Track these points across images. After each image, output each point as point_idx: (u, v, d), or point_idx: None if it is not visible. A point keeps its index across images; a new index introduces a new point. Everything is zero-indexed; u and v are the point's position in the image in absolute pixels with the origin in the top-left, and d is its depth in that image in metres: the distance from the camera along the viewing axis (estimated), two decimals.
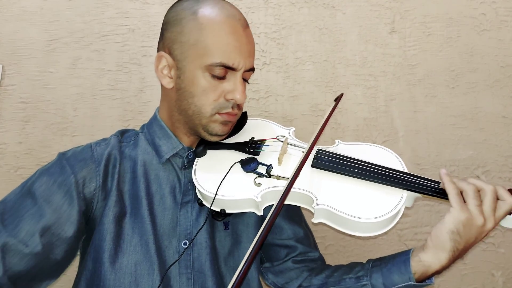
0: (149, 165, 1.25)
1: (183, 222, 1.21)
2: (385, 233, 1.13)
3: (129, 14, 1.88)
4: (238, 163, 1.21)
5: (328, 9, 1.94)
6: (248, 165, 1.19)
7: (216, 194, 1.14)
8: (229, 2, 1.23)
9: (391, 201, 1.10)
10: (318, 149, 1.24)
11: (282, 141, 1.28)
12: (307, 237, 1.42)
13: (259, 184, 1.16)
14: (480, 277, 1.85)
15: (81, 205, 1.15)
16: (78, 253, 1.26)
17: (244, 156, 1.24)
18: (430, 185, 1.13)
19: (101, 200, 1.18)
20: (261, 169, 1.19)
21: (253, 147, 1.27)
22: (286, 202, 1.12)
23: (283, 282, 1.37)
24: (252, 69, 1.24)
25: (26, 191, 1.14)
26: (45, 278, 1.14)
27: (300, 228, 1.41)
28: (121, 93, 1.84)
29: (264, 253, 1.41)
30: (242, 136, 1.32)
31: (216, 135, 1.22)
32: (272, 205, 0.97)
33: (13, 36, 1.82)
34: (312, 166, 1.19)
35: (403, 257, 1.15)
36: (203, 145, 1.26)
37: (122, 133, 1.32)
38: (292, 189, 1.04)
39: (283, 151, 1.22)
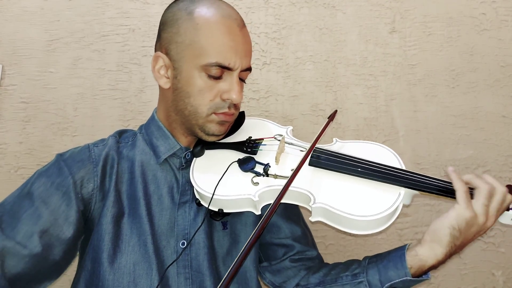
0: (146, 166, 1.25)
1: (181, 222, 1.21)
2: (384, 230, 1.13)
3: (130, 14, 1.88)
4: (236, 162, 1.21)
5: (328, 9, 1.95)
6: (246, 165, 1.19)
7: (213, 194, 1.14)
8: (225, 2, 1.23)
9: (389, 198, 1.10)
10: (316, 148, 1.24)
11: (279, 140, 1.28)
12: (304, 236, 1.42)
13: (256, 183, 1.16)
14: (480, 276, 1.85)
15: (79, 205, 1.15)
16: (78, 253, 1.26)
17: (241, 155, 1.24)
18: (428, 182, 1.13)
19: (99, 200, 1.18)
20: (259, 168, 1.19)
21: (251, 146, 1.27)
22: (283, 200, 1.13)
23: (280, 281, 1.37)
24: (249, 69, 1.24)
25: (24, 193, 1.14)
26: (44, 279, 1.14)
27: (298, 227, 1.41)
28: (121, 93, 1.84)
29: (262, 252, 1.41)
30: (239, 136, 1.32)
31: (213, 135, 1.23)
32: (270, 204, 0.97)
33: (13, 36, 1.83)
34: (310, 164, 1.19)
35: (399, 252, 1.16)
36: (201, 145, 1.26)
37: (120, 134, 1.32)
38: (289, 188, 1.04)
39: (280, 150, 1.22)
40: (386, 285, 1.14)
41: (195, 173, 1.21)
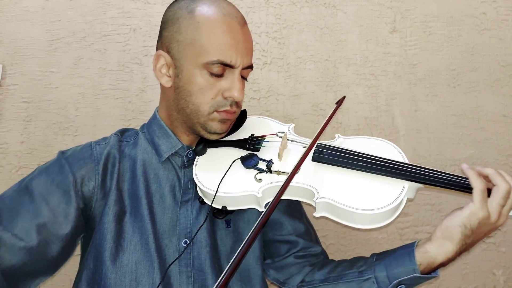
0: (148, 164, 1.25)
1: (183, 221, 1.22)
2: (386, 226, 1.12)
3: (131, 14, 1.88)
4: (239, 159, 1.21)
5: (329, 8, 1.95)
6: (249, 161, 1.20)
7: (217, 191, 1.14)
8: (226, 1, 1.24)
9: (393, 192, 1.10)
10: (318, 143, 1.24)
11: (281, 137, 1.28)
12: (308, 232, 1.42)
13: (260, 180, 1.16)
14: (481, 276, 1.85)
15: (79, 203, 1.16)
16: (79, 252, 1.27)
17: (244, 153, 1.24)
18: (432, 175, 1.12)
19: (100, 199, 1.19)
20: (262, 165, 1.19)
21: (253, 143, 1.27)
22: (287, 196, 1.13)
23: (284, 277, 1.36)
24: (250, 67, 1.24)
25: (24, 188, 1.15)
26: (40, 274, 1.14)
27: (301, 223, 1.41)
28: (122, 93, 1.84)
29: (266, 250, 1.40)
30: (241, 134, 1.33)
31: (215, 133, 1.23)
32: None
33: (15, 36, 1.83)
34: (313, 160, 1.19)
35: (408, 249, 1.15)
36: (203, 144, 1.26)
37: (122, 132, 1.32)
38: (292, 184, 1.04)
39: (283, 147, 1.23)
40: (394, 282, 1.13)
41: (198, 171, 1.21)
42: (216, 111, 1.19)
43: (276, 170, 1.17)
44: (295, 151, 1.25)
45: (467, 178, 1.09)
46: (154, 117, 1.32)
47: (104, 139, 1.29)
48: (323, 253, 1.42)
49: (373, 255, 1.25)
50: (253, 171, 1.18)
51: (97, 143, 1.26)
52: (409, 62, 1.93)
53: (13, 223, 1.08)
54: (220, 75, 1.17)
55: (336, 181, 1.14)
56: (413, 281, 1.13)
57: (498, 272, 1.85)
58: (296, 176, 1.05)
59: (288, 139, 1.28)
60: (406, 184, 1.12)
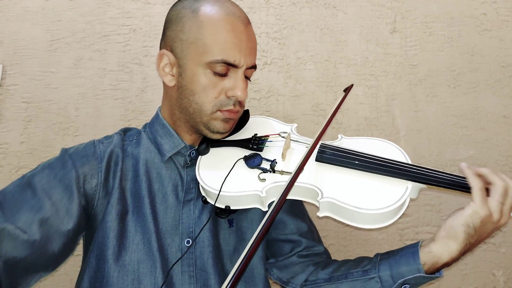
0: (151, 164, 1.25)
1: (186, 220, 1.21)
2: (388, 226, 1.12)
3: (131, 14, 1.88)
4: (242, 159, 1.21)
5: (329, 9, 1.95)
6: (252, 161, 1.20)
7: (220, 191, 1.14)
8: (230, 0, 1.24)
9: (396, 192, 1.10)
10: (321, 144, 1.24)
11: (284, 137, 1.28)
12: (310, 231, 1.42)
13: (263, 180, 1.16)
14: (481, 276, 1.85)
15: (81, 200, 1.16)
16: (79, 252, 1.26)
17: (247, 152, 1.24)
18: (435, 175, 1.13)
19: (102, 197, 1.19)
20: (265, 165, 1.19)
21: (256, 143, 1.27)
22: (291, 196, 1.13)
23: (288, 277, 1.36)
24: (254, 67, 1.25)
25: (26, 183, 1.14)
26: (40, 270, 1.13)
27: (304, 223, 1.41)
28: (123, 93, 1.84)
29: (269, 249, 1.40)
30: (244, 133, 1.33)
31: (217, 132, 1.23)
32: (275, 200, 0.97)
33: (15, 36, 1.83)
34: (316, 160, 1.19)
35: (412, 249, 1.15)
36: (206, 143, 1.26)
37: (125, 131, 1.32)
38: (296, 184, 1.04)
39: (286, 146, 1.22)
40: (398, 282, 1.13)
41: (201, 171, 1.21)
42: (219, 110, 1.20)
43: (280, 170, 1.18)
44: (299, 151, 1.25)
45: None
46: (156, 116, 1.32)
47: (107, 137, 1.29)
48: (326, 252, 1.43)
49: (377, 255, 1.25)
50: (257, 171, 1.18)
51: (100, 142, 1.26)
52: (409, 63, 1.93)
53: (16, 216, 1.07)
54: (223, 75, 1.18)
55: (340, 181, 1.15)
56: (418, 281, 1.13)
57: (498, 273, 1.85)
58: (300, 176, 1.05)
59: (291, 139, 1.28)
60: (410, 184, 1.12)
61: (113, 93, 1.84)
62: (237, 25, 1.18)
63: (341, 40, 1.94)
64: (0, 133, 1.77)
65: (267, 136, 1.30)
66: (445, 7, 1.96)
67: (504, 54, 1.94)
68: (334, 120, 1.88)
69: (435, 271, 1.12)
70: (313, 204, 1.15)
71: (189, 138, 1.28)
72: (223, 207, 1.18)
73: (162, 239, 1.18)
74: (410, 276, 1.12)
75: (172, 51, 1.21)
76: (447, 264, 1.10)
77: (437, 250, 1.10)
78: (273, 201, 1.08)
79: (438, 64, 1.93)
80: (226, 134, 1.27)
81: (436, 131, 1.90)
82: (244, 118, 1.35)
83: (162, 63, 1.23)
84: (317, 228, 1.50)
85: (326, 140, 1.29)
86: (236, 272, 0.80)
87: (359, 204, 1.08)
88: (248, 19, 1.24)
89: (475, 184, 1.07)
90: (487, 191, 1.08)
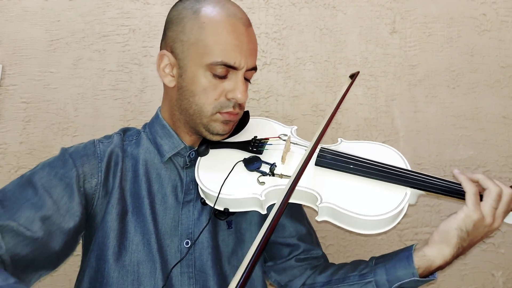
0: (150, 164, 1.25)
1: (185, 221, 1.21)
2: (387, 231, 1.13)
3: (130, 14, 1.88)
4: (241, 162, 1.21)
5: (328, 9, 1.95)
6: (252, 164, 1.19)
7: (219, 193, 1.14)
8: (231, 1, 1.23)
9: (395, 198, 1.11)
10: (321, 148, 1.24)
11: (285, 140, 1.28)
12: (309, 234, 1.42)
13: (262, 183, 1.16)
14: (480, 277, 1.85)
15: (81, 198, 1.15)
16: (78, 252, 1.26)
17: (247, 155, 1.24)
18: (434, 182, 1.13)
19: (102, 196, 1.19)
20: (265, 168, 1.19)
21: (256, 145, 1.27)
22: (290, 200, 1.13)
23: (286, 280, 1.36)
24: (254, 68, 1.24)
25: (26, 182, 1.14)
26: (41, 268, 1.13)
27: (302, 226, 1.41)
28: (122, 93, 1.84)
29: (267, 252, 1.40)
30: (244, 135, 1.32)
31: (217, 134, 1.23)
32: (275, 203, 0.97)
33: (14, 36, 1.83)
34: (316, 164, 1.19)
35: (406, 252, 1.16)
36: (206, 144, 1.26)
37: (124, 132, 1.32)
38: (296, 188, 1.04)
39: (286, 150, 1.22)
40: (394, 285, 1.14)
41: (201, 172, 1.21)
42: (219, 112, 1.19)
43: (279, 173, 1.17)
44: (298, 154, 1.25)
45: None
46: (156, 116, 1.32)
47: (107, 137, 1.29)
48: (324, 256, 1.42)
49: (372, 258, 1.26)
50: (256, 174, 1.18)
51: (100, 141, 1.26)
52: (408, 63, 1.93)
53: (17, 214, 1.06)
54: (223, 77, 1.17)
55: (339, 186, 1.15)
56: (412, 284, 1.14)
57: (497, 274, 1.85)
58: (299, 180, 1.05)
59: (291, 142, 1.28)
60: (409, 190, 1.12)
61: (112, 93, 1.83)
62: (238, 26, 1.18)
63: (341, 40, 1.93)
64: None
65: (267, 138, 1.30)
66: (444, 8, 1.96)
67: (504, 54, 1.94)
68: (333, 121, 1.87)
69: (429, 274, 1.13)
70: (312, 208, 1.15)
71: (188, 139, 1.28)
72: (222, 209, 1.17)
73: (162, 240, 1.18)
74: (405, 280, 1.13)
75: (172, 51, 1.20)
76: (440, 267, 1.12)
77: (431, 254, 1.11)
78: (273, 204, 1.08)
79: (438, 65, 1.93)
80: (226, 136, 1.27)
81: (435, 132, 1.90)
82: (244, 120, 1.35)
83: (162, 64, 1.22)
84: (316, 228, 1.50)
85: (326, 143, 1.29)
86: (240, 283, 0.80)
87: (358, 210, 1.08)
88: (249, 20, 1.24)
89: (469, 189, 1.08)
90: (481, 196, 1.10)
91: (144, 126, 1.35)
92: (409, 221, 1.84)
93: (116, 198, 1.18)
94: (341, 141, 1.31)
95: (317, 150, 1.22)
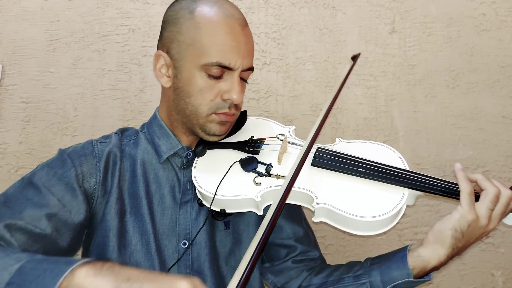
0: (148, 165, 1.25)
1: (183, 222, 1.21)
2: (386, 232, 1.12)
3: (130, 14, 1.88)
4: (238, 162, 1.21)
5: (328, 9, 1.95)
6: (248, 165, 1.19)
7: (215, 194, 1.14)
8: (228, 1, 1.23)
9: (393, 199, 1.09)
10: (318, 148, 1.23)
11: (282, 140, 1.27)
12: (307, 236, 1.41)
13: (259, 184, 1.15)
14: (480, 277, 1.85)
15: (83, 197, 1.15)
16: (79, 253, 1.26)
17: (243, 155, 1.23)
18: (432, 183, 1.12)
19: (101, 196, 1.18)
20: (261, 168, 1.18)
21: (253, 146, 1.26)
22: (286, 201, 1.12)
23: (283, 281, 1.36)
24: (250, 69, 1.23)
25: (27, 183, 1.13)
26: None
27: (300, 227, 1.40)
28: (121, 93, 1.84)
29: (264, 253, 1.40)
30: (242, 135, 1.31)
31: (214, 135, 1.22)
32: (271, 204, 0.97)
33: (13, 36, 1.83)
34: (312, 164, 1.18)
35: (401, 253, 1.15)
36: (203, 145, 1.25)
37: (122, 132, 1.32)
38: (292, 188, 1.03)
39: (282, 150, 1.22)
40: (389, 286, 1.14)
41: (197, 173, 1.21)
42: (215, 113, 1.19)
43: (275, 174, 1.17)
44: (295, 155, 1.23)
45: None
46: (154, 117, 1.31)
47: (105, 137, 1.28)
48: (321, 257, 1.42)
49: (367, 259, 1.25)
50: (252, 174, 1.17)
51: (98, 141, 1.25)
52: (408, 63, 1.93)
53: (23, 213, 1.06)
54: (218, 77, 1.17)
55: (336, 187, 1.14)
56: (407, 285, 1.13)
57: (497, 273, 1.85)
58: (295, 181, 1.04)
59: (288, 142, 1.27)
60: (406, 191, 1.11)
61: (112, 93, 1.84)
62: (234, 27, 1.17)
63: (340, 40, 1.93)
64: None
65: (264, 139, 1.29)
66: (444, 8, 1.95)
67: (503, 54, 1.94)
68: (333, 121, 1.88)
69: (424, 275, 1.12)
70: (309, 209, 1.15)
71: (186, 140, 1.28)
72: (218, 210, 1.17)
73: (160, 241, 1.18)
74: (400, 281, 1.12)
75: (168, 52, 1.20)
76: (435, 268, 1.11)
77: (426, 255, 1.10)
78: (269, 205, 1.07)
79: (437, 65, 1.93)
80: (223, 137, 1.26)
81: (435, 132, 1.90)
82: (241, 120, 1.34)
83: (158, 64, 1.22)
84: (316, 228, 1.50)
85: (325, 143, 1.29)
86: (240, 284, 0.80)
87: (354, 211, 1.07)
88: (246, 20, 1.23)
89: (464, 188, 1.07)
90: (477, 197, 1.09)
91: (142, 126, 1.34)
92: (409, 221, 1.84)
93: (114, 198, 1.18)
94: (339, 140, 1.30)
95: (314, 151, 1.22)
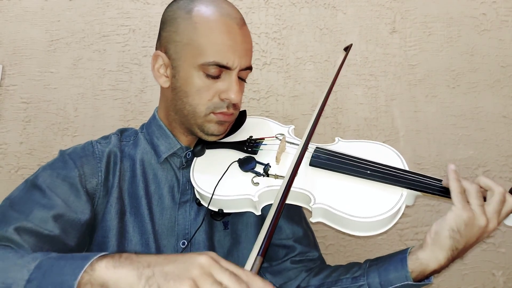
0: (147, 165, 1.25)
1: (181, 222, 1.21)
2: (385, 232, 1.11)
3: (130, 14, 1.88)
4: (236, 162, 1.20)
5: (328, 9, 1.95)
6: (246, 165, 1.18)
7: (213, 194, 1.14)
8: (226, 1, 1.23)
9: (391, 199, 1.08)
10: (316, 148, 1.23)
11: (280, 140, 1.27)
12: (306, 236, 1.41)
13: (257, 184, 1.15)
14: (480, 276, 1.85)
15: (87, 197, 1.15)
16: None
17: (242, 155, 1.23)
18: (431, 183, 1.11)
19: (103, 196, 1.18)
20: (259, 168, 1.18)
21: (251, 146, 1.26)
22: (285, 201, 1.12)
23: (281, 282, 1.36)
24: (249, 68, 1.23)
25: (31, 185, 1.13)
26: None
27: (299, 228, 1.40)
28: (122, 93, 1.84)
29: None
30: (240, 135, 1.31)
31: (212, 135, 1.22)
32: (270, 205, 0.96)
33: (14, 36, 1.83)
34: (310, 164, 1.18)
35: (400, 255, 1.13)
36: (201, 145, 1.25)
37: (122, 132, 1.32)
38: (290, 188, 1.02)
39: (281, 150, 1.21)
40: None
41: (195, 173, 1.20)
42: (213, 112, 1.19)
43: (273, 173, 1.16)
44: (294, 155, 1.23)
45: None
46: (153, 117, 1.31)
47: (105, 138, 1.29)
48: (320, 258, 1.41)
49: (366, 261, 1.24)
50: (250, 174, 1.17)
51: (98, 142, 1.26)
52: (408, 63, 1.93)
53: (31, 216, 1.05)
54: (216, 77, 1.16)
55: (333, 187, 1.13)
56: None
57: (497, 273, 1.85)
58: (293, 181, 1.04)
59: (286, 142, 1.27)
60: (405, 191, 1.10)
61: (112, 94, 1.84)
62: (231, 26, 1.17)
63: (341, 40, 1.93)
64: None
65: (262, 138, 1.29)
66: (444, 7, 1.95)
67: (504, 54, 1.93)
68: (333, 121, 1.87)
69: (424, 278, 1.11)
70: (307, 209, 1.14)
71: (185, 139, 1.28)
72: (216, 210, 1.17)
73: (159, 240, 1.19)
74: (398, 284, 1.10)
75: (166, 52, 1.20)
76: (436, 271, 1.09)
77: (424, 258, 1.08)
78: (268, 205, 1.07)
79: (438, 64, 1.93)
80: (221, 136, 1.26)
81: (435, 131, 1.90)
82: (240, 119, 1.34)
83: (156, 64, 1.22)
84: (316, 228, 1.50)
85: (324, 142, 1.29)
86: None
87: (352, 212, 1.06)
88: (243, 19, 1.22)
89: (454, 188, 1.05)
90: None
91: (142, 127, 1.35)
92: (409, 221, 1.84)
93: (115, 198, 1.18)
94: (338, 140, 1.30)
95: (312, 150, 1.21)
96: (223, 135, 1.26)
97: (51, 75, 1.82)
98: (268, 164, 1.18)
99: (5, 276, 0.84)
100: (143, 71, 1.86)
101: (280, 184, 1.06)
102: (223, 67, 1.15)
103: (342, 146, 1.27)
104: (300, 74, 1.91)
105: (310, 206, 1.10)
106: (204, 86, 1.16)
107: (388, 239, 1.84)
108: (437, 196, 1.10)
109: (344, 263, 1.33)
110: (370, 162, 1.17)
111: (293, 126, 1.35)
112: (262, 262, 0.83)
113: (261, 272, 1.40)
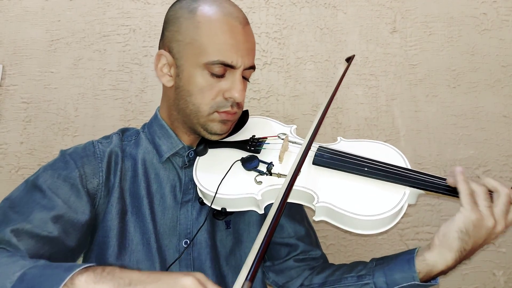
0: (149, 164, 1.25)
1: (183, 221, 1.21)
2: (387, 231, 1.11)
3: (131, 14, 1.88)
4: (239, 161, 1.20)
5: (329, 9, 1.95)
6: (249, 163, 1.18)
7: (216, 193, 1.14)
8: (228, 0, 1.23)
9: (394, 198, 1.08)
10: (319, 146, 1.23)
11: (283, 139, 1.27)
12: (308, 235, 1.41)
13: (260, 182, 1.14)
14: (481, 276, 1.84)
15: (88, 198, 1.15)
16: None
17: (245, 154, 1.23)
18: (433, 181, 1.10)
19: (104, 196, 1.18)
20: (262, 167, 1.18)
21: (254, 145, 1.25)
22: (287, 199, 1.12)
23: (284, 281, 1.36)
24: (252, 67, 1.23)
25: (32, 186, 1.13)
26: None
27: (302, 226, 1.40)
28: (122, 93, 1.84)
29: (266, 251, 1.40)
30: (243, 135, 1.31)
31: (215, 134, 1.22)
32: (273, 203, 0.96)
33: (14, 36, 1.83)
34: (313, 163, 1.18)
35: (408, 256, 1.13)
36: (204, 144, 1.25)
37: (123, 132, 1.32)
38: (293, 186, 1.02)
39: (283, 149, 1.21)
40: None
41: (198, 172, 1.20)
42: (217, 111, 1.18)
43: (277, 172, 1.16)
44: (296, 153, 1.23)
45: None
46: (155, 116, 1.31)
47: (106, 137, 1.28)
48: (323, 256, 1.41)
49: (372, 260, 1.23)
50: (253, 173, 1.17)
51: (99, 142, 1.25)
52: (409, 63, 1.93)
53: (30, 217, 1.05)
54: (220, 76, 1.16)
55: (337, 186, 1.13)
56: None
57: (498, 273, 1.85)
58: (296, 179, 1.04)
59: (289, 141, 1.27)
60: (407, 190, 1.10)
61: (112, 93, 1.84)
62: (234, 25, 1.17)
63: (341, 40, 1.93)
64: (0, 133, 1.77)
65: (265, 138, 1.29)
66: (445, 7, 1.95)
67: (504, 53, 1.93)
68: (334, 121, 1.87)
69: (431, 279, 1.10)
70: (311, 208, 1.14)
71: (187, 139, 1.28)
72: (219, 209, 1.17)
73: (161, 240, 1.18)
74: (405, 284, 1.10)
75: (169, 51, 1.20)
76: (443, 272, 1.08)
77: (431, 259, 1.07)
78: (270, 204, 1.06)
79: (438, 64, 1.93)
80: (224, 135, 1.26)
81: (436, 131, 1.90)
82: (243, 119, 1.34)
83: (160, 64, 1.22)
84: (317, 228, 1.49)
85: (325, 142, 1.29)
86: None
87: (355, 210, 1.06)
88: (247, 19, 1.23)
89: (463, 189, 1.04)
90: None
91: (143, 126, 1.34)
92: (410, 221, 1.84)
93: (116, 197, 1.18)
94: (340, 139, 1.30)
95: (315, 149, 1.21)
96: (226, 134, 1.26)
97: (52, 75, 1.82)
98: (271, 163, 1.18)
99: None
100: (144, 71, 1.86)
101: (283, 183, 1.05)
102: (228, 66, 1.15)
103: (345, 145, 1.27)
104: (301, 74, 1.91)
105: (313, 205, 1.10)
106: (208, 85, 1.16)
107: (388, 239, 1.84)
108: (439, 194, 1.10)
109: (345, 263, 1.33)
110: (372, 161, 1.17)
111: (295, 126, 1.35)
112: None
113: (263, 271, 1.40)
